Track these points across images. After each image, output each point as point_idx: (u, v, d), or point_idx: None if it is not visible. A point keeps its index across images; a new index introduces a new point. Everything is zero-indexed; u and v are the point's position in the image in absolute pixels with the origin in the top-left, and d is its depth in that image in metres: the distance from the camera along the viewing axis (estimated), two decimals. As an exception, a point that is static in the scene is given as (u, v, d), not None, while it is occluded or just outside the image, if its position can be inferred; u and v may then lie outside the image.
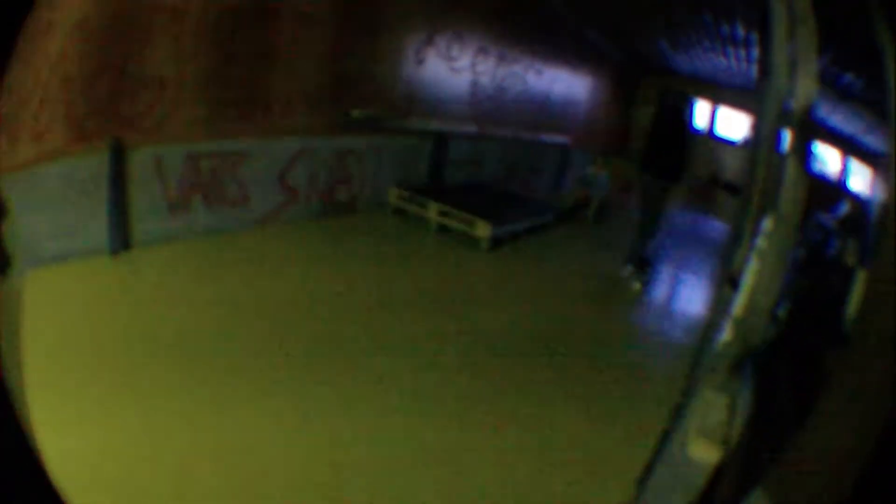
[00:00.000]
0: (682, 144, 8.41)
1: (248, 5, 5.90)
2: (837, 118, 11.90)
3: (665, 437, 3.00)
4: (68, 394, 3.22)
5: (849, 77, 9.04)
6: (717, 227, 14.47)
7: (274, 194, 6.90)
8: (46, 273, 4.82)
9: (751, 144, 10.67)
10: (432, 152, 9.48)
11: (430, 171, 9.49)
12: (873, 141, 11.85)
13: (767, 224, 3.98)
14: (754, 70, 12.69)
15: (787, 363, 4.63)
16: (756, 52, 10.82)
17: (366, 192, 8.24)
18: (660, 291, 8.55)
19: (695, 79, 17.79)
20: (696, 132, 18.50)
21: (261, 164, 6.63)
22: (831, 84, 9.59)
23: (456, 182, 10.18)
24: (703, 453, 2.56)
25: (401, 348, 4.88)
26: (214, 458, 3.22)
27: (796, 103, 3.10)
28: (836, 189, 14.09)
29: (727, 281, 6.00)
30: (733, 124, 18.37)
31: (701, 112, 19.01)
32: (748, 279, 3.83)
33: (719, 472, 2.45)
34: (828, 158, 15.02)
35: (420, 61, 8.56)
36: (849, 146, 13.91)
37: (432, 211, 8.03)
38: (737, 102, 17.44)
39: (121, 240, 5.50)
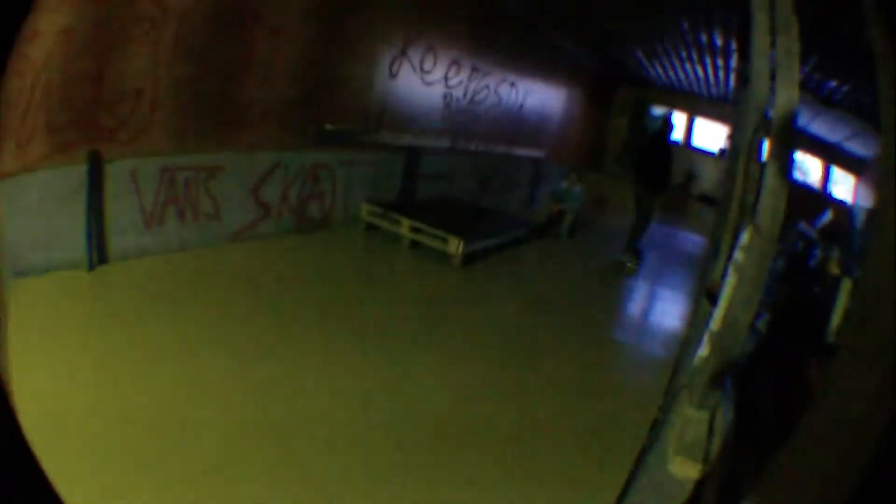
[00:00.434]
0: (667, 162, 10.39)
1: (224, 17, 5.89)
2: (820, 126, 12.14)
3: (644, 454, 2.99)
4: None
5: (833, 83, 9.25)
6: (690, 239, 14.70)
7: (247, 209, 6.87)
8: (25, 285, 4.81)
9: (729, 155, 10.84)
10: (404, 167, 9.48)
11: (402, 186, 9.50)
12: (857, 147, 12.08)
13: (745, 237, 4.01)
14: (733, 79, 12.90)
15: (769, 375, 4.68)
16: (735, 60, 10.99)
17: (338, 208, 8.23)
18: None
19: (671, 89, 18.06)
20: (675, 143, 18.82)
21: (234, 179, 6.60)
22: (814, 91, 9.81)
23: (428, 197, 10.26)
24: (683, 470, 2.55)
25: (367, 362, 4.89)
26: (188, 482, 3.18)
27: (776, 112, 3.12)
28: (819, 197, 14.34)
29: (705, 294, 6.06)
30: (710, 135, 18.64)
31: (678, 124, 19.30)
32: (726, 293, 3.85)
33: (700, 488, 2.45)
34: (810, 167, 15.31)
35: (393, 75, 8.58)
36: (832, 154, 14.16)
37: (404, 227, 8.04)
38: (714, 113, 17.71)
39: (98, 254, 5.50)
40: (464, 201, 10.94)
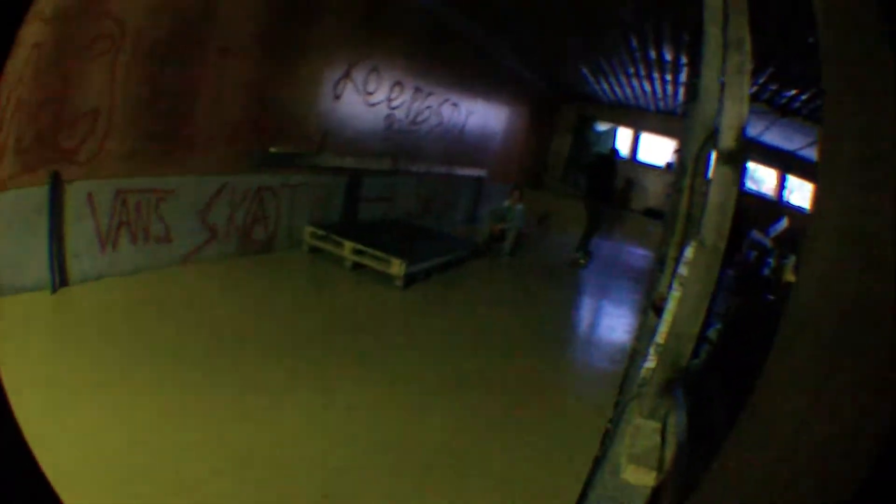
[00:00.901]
0: (612, 180, 13.42)
1: (176, 37, 5.87)
2: (776, 135, 12.57)
3: (597, 464, 3.08)
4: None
5: (790, 92, 9.60)
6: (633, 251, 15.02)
7: (195, 232, 6.79)
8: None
9: (675, 169, 11.15)
10: (347, 189, 9.48)
11: (344, 208, 9.51)
12: (813, 154, 12.50)
13: (689, 252, 4.15)
14: (681, 93, 13.26)
15: (723, 384, 4.83)
16: (684, 75, 11.30)
17: (282, 231, 8.19)
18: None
19: (617, 104, 18.46)
20: (620, 158, 19.26)
21: (183, 202, 6.51)
22: (770, 101, 10.17)
23: (371, 219, 10.33)
24: (638, 478, 2.64)
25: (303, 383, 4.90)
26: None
27: (724, 128, 3.23)
28: (775, 206, 14.82)
29: (651, 307, 6.23)
30: (657, 149, 19.10)
31: (623, 141, 19.73)
32: (671, 307, 3.98)
33: (657, 495, 2.54)
34: (764, 176, 15.83)
35: (337, 96, 8.61)
36: (788, 162, 14.68)
37: (347, 249, 8.07)
38: (661, 127, 18.15)
39: (61, 276, 5.47)
40: (406, 222, 11.01)
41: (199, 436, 3.84)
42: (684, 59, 10.13)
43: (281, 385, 4.74)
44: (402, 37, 9.81)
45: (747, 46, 3.05)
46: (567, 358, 7.14)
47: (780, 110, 10.61)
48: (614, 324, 8.83)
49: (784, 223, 9.14)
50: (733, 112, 3.14)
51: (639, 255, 15.05)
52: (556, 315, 8.90)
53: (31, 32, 4.64)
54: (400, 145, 10.76)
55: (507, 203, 11.58)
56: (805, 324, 1.31)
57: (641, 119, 18.92)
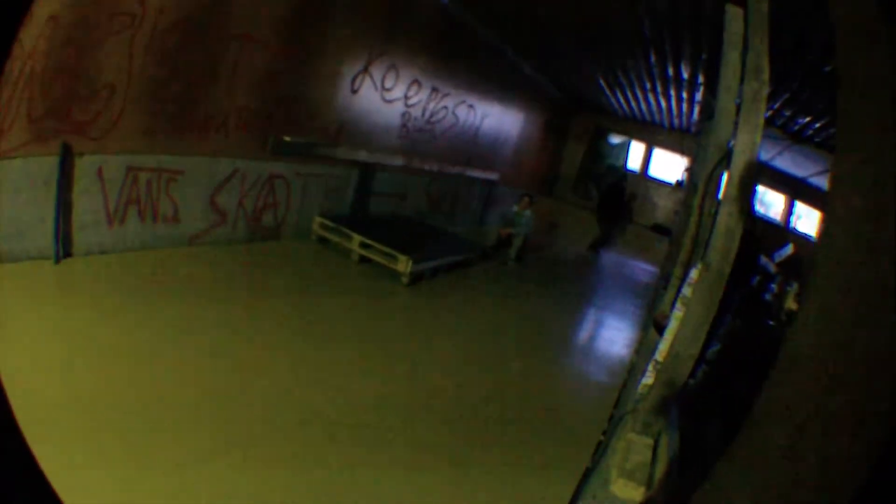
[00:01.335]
0: (623, 204, 16.33)
1: (198, 20, 5.89)
2: (786, 161, 12.54)
3: (587, 475, 3.11)
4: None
5: (804, 119, 9.60)
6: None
7: (204, 215, 6.81)
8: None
9: (686, 188, 11.16)
10: (358, 183, 9.52)
11: (354, 201, 9.52)
12: (824, 182, 12.43)
13: (694, 273, 4.18)
14: (696, 112, 13.26)
15: (719, 406, 4.85)
16: (700, 94, 11.30)
17: (291, 219, 8.21)
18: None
19: (632, 118, 18.46)
20: (631, 172, 19.25)
21: (194, 183, 6.54)
22: (784, 126, 10.17)
23: (380, 214, 10.36)
24: (626, 492, 2.68)
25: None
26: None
27: (737, 155, 3.25)
28: (781, 231, 14.72)
29: (653, 324, 6.25)
30: (668, 166, 19.09)
31: (635, 155, 19.75)
32: (673, 326, 4.01)
33: (644, 510, 2.57)
34: (773, 201, 15.79)
35: (355, 90, 8.63)
36: (797, 188, 14.61)
37: (354, 242, 8.10)
38: (673, 144, 18.12)
39: (64, 247, 5.47)
40: (415, 220, 11.04)
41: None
42: (701, 78, 10.13)
43: (279, 370, 4.78)
44: (421, 36, 9.84)
45: (765, 75, 3.07)
46: (560, 362, 7.15)
47: (793, 136, 10.61)
48: (613, 336, 8.85)
49: (790, 249, 9.11)
50: (747, 139, 3.17)
51: (643, 269, 15.05)
52: (556, 321, 8.91)
53: (44, 6, 4.66)
54: (414, 143, 10.78)
55: (516, 208, 11.58)
56: (801, 358, 1.34)
57: (655, 134, 18.93)
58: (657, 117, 16.90)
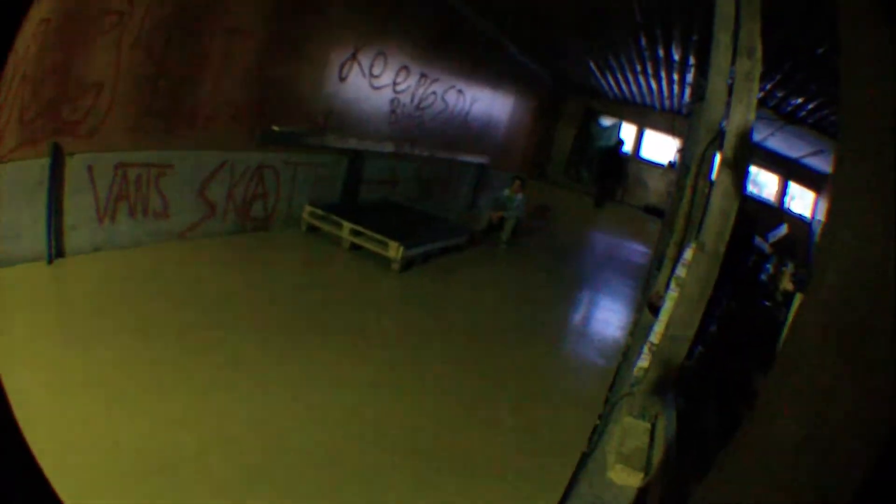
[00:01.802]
0: (619, 165, 18.40)
1: (184, 14, 5.85)
2: (779, 142, 12.55)
3: (584, 461, 3.09)
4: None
5: (797, 101, 9.58)
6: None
7: (193, 208, 6.77)
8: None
9: (678, 169, 11.12)
10: (348, 171, 9.46)
11: (344, 189, 9.47)
12: (818, 163, 12.49)
13: (688, 253, 4.15)
14: (688, 93, 13.22)
15: (716, 389, 4.84)
16: (692, 76, 11.27)
17: (281, 209, 8.17)
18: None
19: (623, 100, 18.44)
20: (625, 154, 19.26)
21: (183, 177, 6.50)
22: (776, 108, 10.14)
23: (370, 201, 10.32)
24: (624, 478, 2.65)
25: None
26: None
27: (730, 133, 3.22)
28: (775, 211, 14.78)
29: (647, 306, 6.23)
30: (659, 147, 19.09)
31: (627, 137, 19.75)
32: (667, 307, 3.98)
33: (643, 496, 2.55)
34: (766, 182, 15.83)
35: (343, 78, 8.56)
36: (791, 169, 14.66)
37: (345, 230, 8.08)
38: (665, 125, 18.10)
39: (57, 248, 5.45)
40: (405, 206, 10.98)
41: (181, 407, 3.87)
42: (692, 60, 10.08)
43: (269, 361, 4.78)
44: (409, 22, 9.77)
45: (758, 54, 3.03)
46: (553, 347, 7.13)
47: (786, 117, 10.59)
48: (608, 318, 8.84)
49: (784, 229, 9.10)
50: (740, 118, 3.13)
51: (636, 250, 15.03)
52: (549, 303, 8.88)
53: (38, 9, 4.64)
54: (403, 130, 10.74)
55: (507, 192, 11.55)
56: (808, 348, 1.30)
57: (646, 116, 18.91)
58: (648, 99, 16.86)
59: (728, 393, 4.61)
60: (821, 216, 13.02)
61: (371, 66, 9.17)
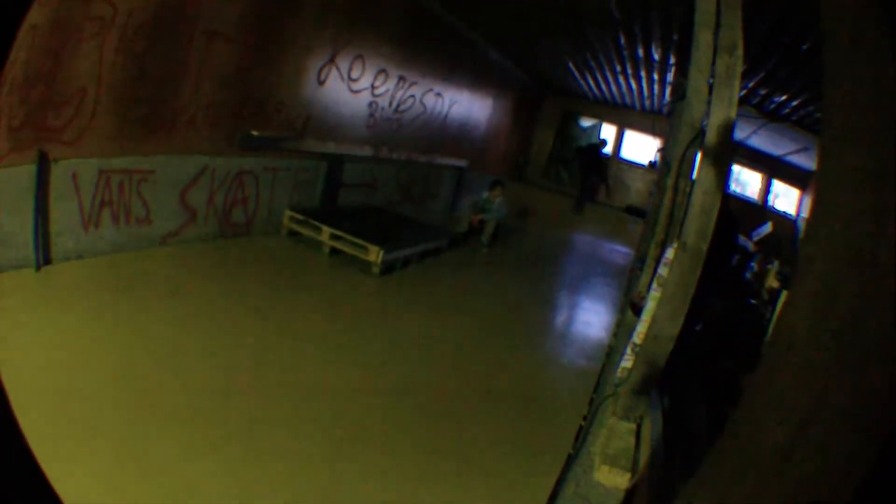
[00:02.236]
0: (599, 162, 17.80)
1: (165, 20, 5.82)
2: (763, 140, 12.60)
3: (570, 462, 3.06)
4: None
5: (780, 98, 9.61)
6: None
7: (175, 214, 6.74)
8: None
9: (659, 169, 11.14)
10: (327, 175, 9.43)
11: (324, 193, 9.44)
12: (802, 161, 12.56)
13: (670, 253, 4.13)
14: (668, 93, 13.25)
15: (702, 388, 4.83)
16: (672, 75, 11.28)
17: (261, 214, 8.13)
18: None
19: (602, 101, 18.47)
20: (606, 156, 19.27)
21: (164, 183, 6.47)
22: (759, 106, 10.18)
23: (350, 205, 10.28)
24: (611, 479, 2.63)
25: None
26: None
27: (710, 131, 3.21)
28: (759, 210, 14.86)
29: (630, 306, 6.22)
30: (640, 147, 19.15)
31: (607, 136, 19.78)
32: (650, 307, 3.97)
33: (631, 497, 2.53)
34: (749, 180, 15.94)
35: (321, 82, 8.54)
36: (775, 167, 14.74)
37: (325, 234, 8.05)
38: (645, 125, 18.17)
39: (44, 254, 5.42)
40: (386, 210, 10.96)
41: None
42: (672, 59, 10.11)
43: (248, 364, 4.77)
44: (387, 25, 9.77)
45: (739, 51, 3.02)
46: (532, 345, 7.11)
47: (769, 115, 10.64)
48: (590, 319, 8.84)
49: (768, 227, 9.15)
50: (721, 115, 3.12)
51: (617, 251, 15.07)
52: (530, 305, 8.86)
53: (31, 15, 4.63)
54: (382, 133, 10.72)
55: (486, 195, 11.56)
56: (793, 347, 1.27)
57: (626, 116, 18.94)
58: (628, 99, 16.89)
59: (715, 392, 4.61)
60: (806, 213, 13.11)
61: (349, 70, 9.14)
